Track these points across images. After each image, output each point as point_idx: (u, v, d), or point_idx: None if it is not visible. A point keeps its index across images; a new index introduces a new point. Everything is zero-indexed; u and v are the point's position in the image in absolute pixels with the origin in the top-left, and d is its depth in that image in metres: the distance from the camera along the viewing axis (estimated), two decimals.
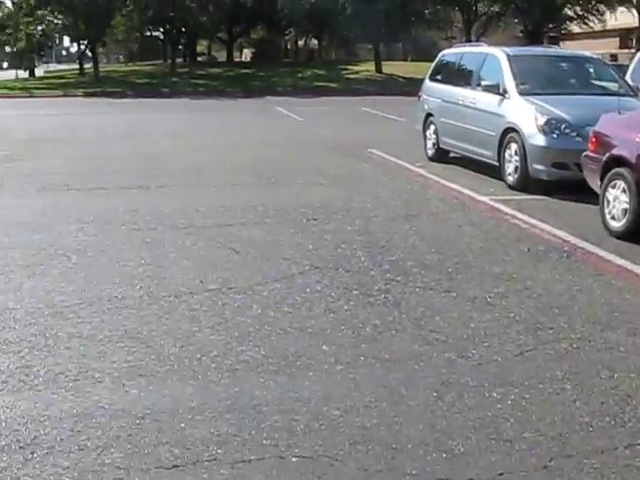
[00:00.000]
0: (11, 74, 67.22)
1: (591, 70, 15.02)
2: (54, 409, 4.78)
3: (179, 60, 68.17)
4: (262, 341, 5.94)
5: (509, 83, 13.22)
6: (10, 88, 49.77)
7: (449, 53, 17.24)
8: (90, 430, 4.52)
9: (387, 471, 4.10)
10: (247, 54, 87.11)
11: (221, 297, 6.99)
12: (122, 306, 6.74)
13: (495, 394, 5.01)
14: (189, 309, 6.68)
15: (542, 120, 12.18)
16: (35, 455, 4.24)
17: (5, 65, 79.73)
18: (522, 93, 12.98)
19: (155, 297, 7.00)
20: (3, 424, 4.59)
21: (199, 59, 77.94)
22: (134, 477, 4.03)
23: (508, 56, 13.83)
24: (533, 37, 49.70)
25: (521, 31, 56.50)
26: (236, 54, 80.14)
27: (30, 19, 54.43)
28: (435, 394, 5.01)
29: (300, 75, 53.46)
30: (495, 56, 14.18)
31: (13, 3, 59.23)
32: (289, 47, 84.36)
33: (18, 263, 8.10)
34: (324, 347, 5.82)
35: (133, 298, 6.96)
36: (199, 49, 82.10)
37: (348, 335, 6.08)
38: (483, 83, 13.94)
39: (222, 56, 76.90)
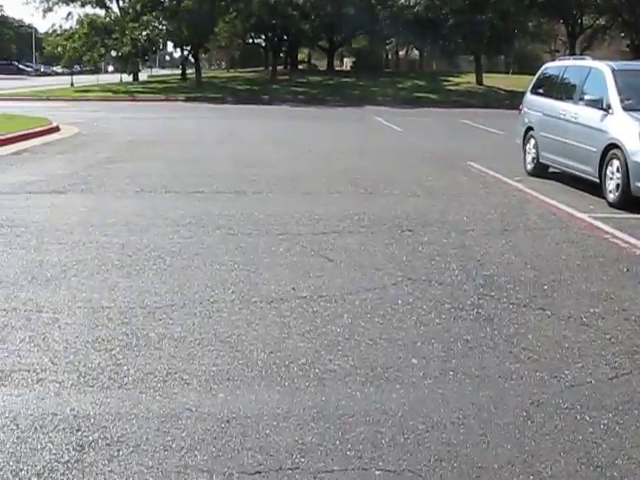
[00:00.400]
0: (116, 78, 68.99)
1: None
2: (141, 408, 4.83)
3: (280, 67, 68.82)
4: (351, 351, 5.90)
5: (613, 98, 12.93)
6: (114, 91, 51.03)
7: (552, 66, 16.97)
8: (176, 431, 4.54)
9: None
10: (347, 63, 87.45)
11: (312, 305, 6.97)
12: (213, 309, 6.78)
13: (587, 417, 4.86)
14: (280, 315, 6.68)
15: None
16: (121, 453, 4.28)
17: (110, 69, 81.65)
18: (626, 109, 12.67)
19: (246, 302, 7.02)
20: (92, 420, 4.65)
21: (300, 67, 78.53)
22: None
23: (613, 70, 13.52)
24: None
25: (627, 45, 55.42)
26: (336, 63, 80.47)
27: (135, 24, 55.63)
28: (525, 414, 4.89)
29: (400, 85, 53.46)
30: (599, 70, 13.88)
31: (120, 9, 60.72)
32: (390, 57, 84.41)
33: (114, 263, 8.23)
34: (413, 360, 5.75)
35: (225, 302, 7.00)
36: (300, 57, 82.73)
37: (438, 349, 6.00)
38: (586, 97, 13.67)
39: (322, 64, 77.32)
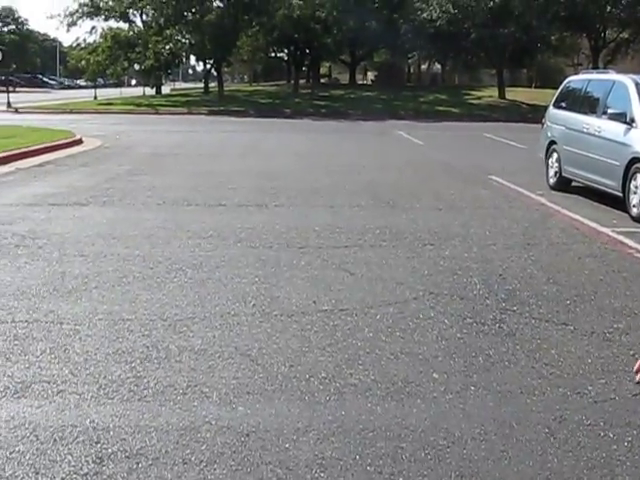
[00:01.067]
0: (139, 91, 69.37)
1: None
2: (161, 421, 4.81)
3: (302, 81, 68.97)
4: (372, 365, 5.87)
5: (637, 111, 12.84)
6: (137, 105, 51.29)
7: (575, 80, 16.88)
8: (195, 444, 4.52)
9: None
10: (370, 77, 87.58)
11: (333, 318, 6.95)
12: (234, 322, 6.77)
13: (611, 434, 4.80)
14: (300, 329, 6.66)
15: None
16: (140, 465, 4.27)
17: (133, 82, 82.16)
18: None
19: (267, 315, 7.01)
20: (111, 432, 4.64)
21: (322, 80, 78.68)
22: None
23: (636, 84, 13.43)
24: None
25: None
26: (359, 77, 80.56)
27: (159, 38, 55.94)
28: (547, 430, 4.83)
29: (422, 99, 53.46)
30: (623, 84, 13.81)
31: (143, 22, 61.12)
32: (412, 71, 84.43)
33: (135, 275, 8.25)
34: (434, 375, 5.71)
35: (245, 315, 6.99)
36: (322, 71, 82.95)
37: (460, 364, 5.95)
38: (609, 111, 13.59)
39: (345, 78, 77.44)
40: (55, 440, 4.54)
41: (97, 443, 4.51)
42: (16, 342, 6.16)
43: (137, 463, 4.30)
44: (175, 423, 4.79)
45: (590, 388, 5.52)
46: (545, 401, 5.29)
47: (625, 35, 55.32)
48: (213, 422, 4.82)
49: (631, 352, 6.28)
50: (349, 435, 4.69)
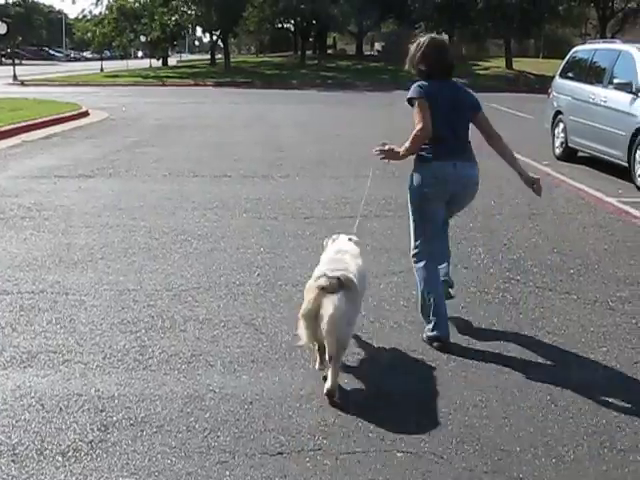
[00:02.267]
0: (145, 63, 69.19)
1: None
2: (165, 389, 4.86)
3: (309, 52, 68.69)
4: (375, 334, 5.90)
5: None
6: (144, 77, 51.21)
7: (581, 50, 16.78)
8: (199, 412, 4.57)
9: (493, 473, 4.00)
10: (377, 47, 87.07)
11: None
12: (239, 292, 6.81)
13: (611, 401, 4.84)
14: None
15: None
16: (144, 433, 4.31)
17: (140, 54, 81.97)
18: None
19: (272, 285, 7.05)
20: (116, 401, 4.69)
21: (328, 52, 78.33)
22: (239, 461, 4.04)
23: None
24: None
25: None
26: (366, 47, 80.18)
27: (165, 9, 55.78)
28: (548, 397, 4.87)
29: None
30: (629, 53, 13.72)
31: None
32: None
33: (141, 246, 8.29)
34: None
35: (250, 285, 7.03)
36: (328, 42, 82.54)
37: (462, 332, 5.98)
38: (615, 81, 13.54)
39: (351, 49, 77.09)
40: (61, 409, 4.59)
41: (102, 411, 4.56)
42: (22, 313, 6.21)
43: (141, 431, 4.35)
44: (179, 391, 4.84)
45: (592, 355, 5.56)
46: (547, 369, 5.34)
47: (633, 5, 54.93)
48: (217, 390, 4.86)
49: (633, 320, 6.31)
50: (352, 402, 4.73)
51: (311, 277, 5.09)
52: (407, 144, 6.09)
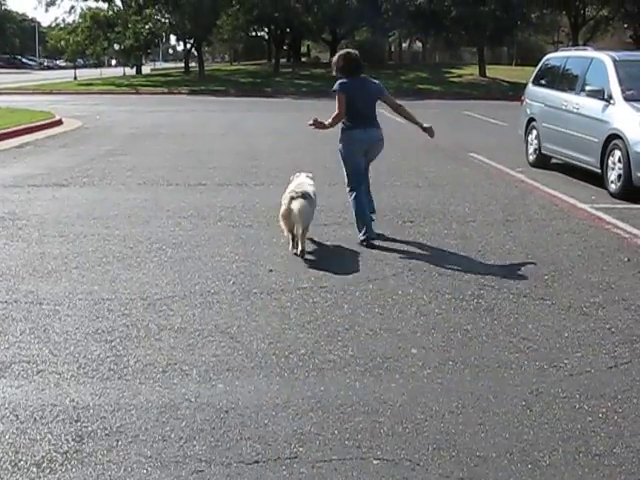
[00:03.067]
0: (119, 71, 69.01)
1: None
2: (141, 399, 4.84)
3: (283, 60, 68.76)
4: (351, 341, 5.91)
5: (614, 88, 12.88)
6: (117, 85, 51.10)
7: (553, 57, 16.91)
8: (175, 421, 4.55)
9: (469, 479, 4.01)
10: None
11: (312, 295, 6.99)
12: (214, 301, 6.79)
13: (586, 406, 4.87)
14: (280, 306, 6.69)
15: None
16: (120, 443, 4.29)
17: (113, 62, 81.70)
18: (627, 99, 12.63)
19: (247, 293, 7.04)
20: (91, 411, 4.66)
21: (303, 59, 78.44)
22: (215, 470, 4.03)
23: (614, 61, 13.47)
24: None
25: (630, 36, 55.31)
26: None
27: (138, 18, 55.64)
28: (523, 403, 4.89)
29: (403, 77, 53.43)
30: (601, 60, 13.83)
31: (122, 2, 60.70)
32: (393, 49, 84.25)
33: (115, 255, 8.25)
34: (413, 350, 5.75)
35: (225, 293, 7.01)
36: (302, 50, 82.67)
37: (438, 339, 6.01)
38: (587, 88, 13.63)
39: (325, 57, 77.23)
40: (35, 419, 4.56)
41: (77, 421, 4.53)
42: None
43: (117, 441, 4.33)
44: (155, 401, 4.82)
45: (566, 361, 5.59)
46: (522, 375, 5.35)
47: (604, 12, 55.37)
48: (193, 399, 4.85)
49: (607, 326, 6.35)
50: (328, 410, 4.74)
51: (284, 196, 8.60)
52: (330, 120, 9.36)
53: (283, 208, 8.37)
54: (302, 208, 8.22)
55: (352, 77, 9.31)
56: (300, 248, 8.25)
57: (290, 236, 8.47)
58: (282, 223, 8.46)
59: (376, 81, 9.88)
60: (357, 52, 9.74)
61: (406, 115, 10.10)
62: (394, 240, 9.14)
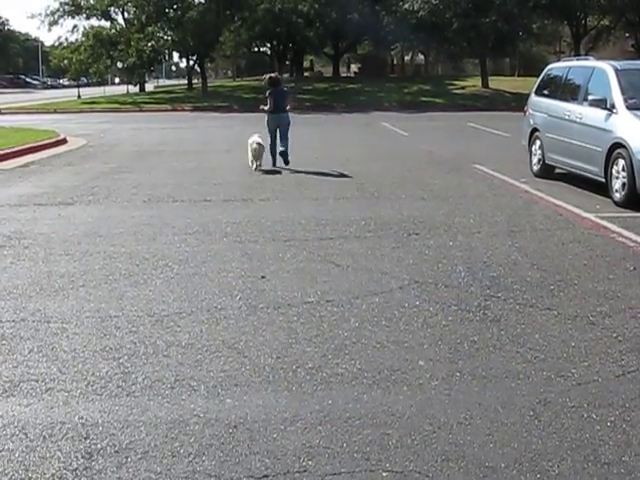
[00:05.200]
0: (122, 89, 69.24)
1: None
2: (150, 415, 4.86)
3: (285, 75, 68.92)
4: (358, 354, 5.92)
5: (617, 97, 12.91)
6: (121, 103, 51.26)
7: (556, 67, 16.95)
8: (184, 437, 4.57)
9: None
10: (353, 69, 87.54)
11: (319, 310, 7.00)
12: (221, 316, 6.81)
13: (594, 415, 4.87)
14: (287, 321, 6.71)
15: None
16: (129, 460, 4.31)
17: (117, 80, 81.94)
18: (630, 108, 12.65)
19: (253, 308, 7.05)
20: (100, 428, 4.68)
21: (305, 74, 78.65)
22: None
23: (616, 70, 13.50)
24: None
25: (632, 45, 55.38)
26: (342, 69, 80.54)
27: (141, 35, 55.72)
28: (532, 413, 4.90)
29: (406, 90, 53.47)
30: (603, 70, 13.87)
31: (125, 20, 60.91)
32: (395, 62, 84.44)
33: (122, 272, 8.28)
34: (420, 362, 5.76)
35: (232, 309, 7.03)
36: (305, 64, 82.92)
37: (445, 351, 6.02)
38: (590, 98, 13.66)
39: (328, 71, 77.44)
40: (44, 437, 4.58)
41: (86, 439, 4.55)
42: (3, 342, 6.20)
43: (126, 457, 4.34)
44: (163, 417, 4.84)
45: (574, 371, 5.59)
46: (529, 385, 5.36)
47: (606, 22, 55.48)
48: (201, 415, 4.86)
49: (614, 334, 6.35)
50: (336, 424, 4.74)
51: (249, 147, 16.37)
52: (266, 107, 17.47)
53: (250, 150, 16.89)
54: (259, 148, 16.80)
55: (274, 87, 17.66)
56: (257, 165, 16.85)
57: (253, 164, 16.79)
58: (250, 158, 16.94)
59: (285, 89, 18.96)
60: (277, 74, 20.47)
61: (290, 105, 18.12)
62: (399, 252, 9.14)
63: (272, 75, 18.52)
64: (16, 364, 5.74)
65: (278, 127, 17.26)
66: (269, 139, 17.36)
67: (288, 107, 17.69)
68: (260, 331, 6.44)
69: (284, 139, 17.27)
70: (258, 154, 16.74)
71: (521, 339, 6.25)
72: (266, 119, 17.50)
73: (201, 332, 6.41)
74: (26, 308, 7.04)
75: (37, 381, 5.41)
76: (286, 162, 16.99)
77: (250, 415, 4.85)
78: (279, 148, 17.25)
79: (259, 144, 16.78)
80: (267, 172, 16.60)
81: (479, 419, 4.82)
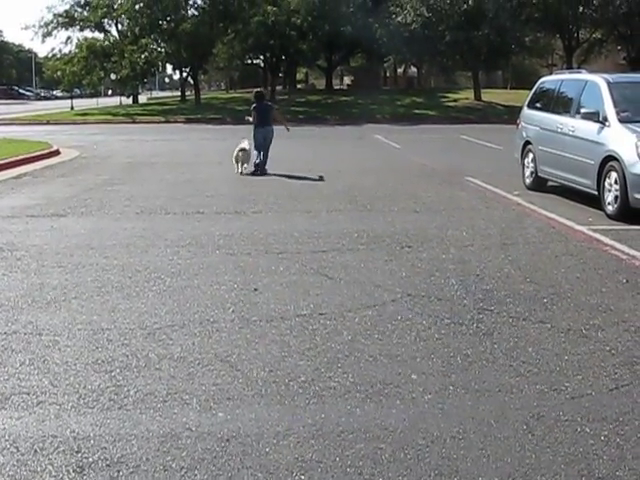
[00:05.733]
0: (115, 101, 69.23)
1: None
2: (141, 429, 4.83)
3: (279, 87, 69.03)
4: (351, 368, 5.90)
5: (609, 110, 12.96)
6: (114, 114, 51.28)
7: (548, 80, 17.01)
8: (176, 451, 4.54)
9: None
10: (346, 81, 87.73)
11: (312, 322, 6.98)
12: (213, 329, 6.79)
13: (588, 429, 4.86)
14: (279, 334, 6.69)
15: None
16: (121, 473, 4.28)
17: (110, 92, 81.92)
18: (623, 121, 12.70)
19: (246, 321, 7.03)
20: (92, 441, 4.65)
21: (298, 86, 78.76)
22: None
23: (608, 83, 13.56)
24: (636, 64, 48.75)
25: (624, 58, 55.58)
26: (336, 81, 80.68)
27: (134, 47, 55.79)
28: (525, 427, 4.88)
29: (399, 102, 53.63)
30: (595, 83, 13.92)
31: (118, 32, 60.98)
32: (388, 75, 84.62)
33: (114, 284, 8.25)
34: (413, 376, 5.75)
35: (224, 321, 7.01)
36: (298, 77, 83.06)
37: (438, 364, 6.00)
38: (582, 110, 13.70)
39: (321, 84, 77.57)
40: (35, 451, 4.55)
41: (78, 452, 4.52)
42: None
43: (118, 471, 4.32)
44: (155, 430, 4.81)
45: (567, 384, 5.58)
46: (523, 399, 5.34)
47: (598, 35, 55.67)
48: (193, 428, 4.84)
49: (607, 348, 6.35)
50: (329, 437, 4.72)
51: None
52: (250, 119, 19.61)
53: (235, 155, 18.83)
54: (242, 153, 18.69)
55: (258, 102, 19.61)
56: (241, 169, 18.58)
57: (238, 167, 18.62)
58: (234, 162, 18.81)
59: (269, 103, 21.01)
60: (262, 89, 22.94)
61: (279, 118, 20.44)
62: (392, 265, 9.13)
63: (258, 90, 20.98)
64: (7, 377, 5.70)
65: (264, 139, 19.03)
66: (255, 149, 19.13)
67: (284, 122, 20.61)
68: (253, 344, 6.42)
69: (265, 152, 19.01)
70: (241, 159, 18.66)
71: (514, 352, 6.24)
72: (253, 132, 19.31)
73: (193, 345, 6.39)
74: (18, 320, 7.01)
75: (28, 394, 5.37)
76: (260, 173, 18.63)
77: (242, 429, 4.83)
78: (257, 159, 18.84)
79: (242, 149, 18.73)
80: (260, 184, 16.59)
81: (472, 433, 4.81)
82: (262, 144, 18.95)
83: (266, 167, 18.83)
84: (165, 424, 4.90)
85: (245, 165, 18.62)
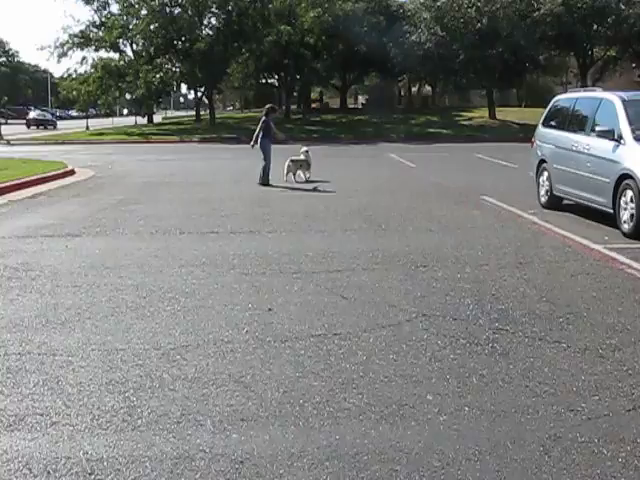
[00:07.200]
0: (130, 120, 69.57)
1: None
2: (155, 450, 4.80)
3: (293, 107, 69.22)
4: (366, 388, 5.87)
5: (624, 128, 12.92)
6: (129, 134, 51.54)
7: (563, 98, 16.98)
8: (189, 473, 4.51)
9: None
10: (361, 100, 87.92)
11: (326, 343, 6.95)
12: (227, 350, 6.76)
13: (605, 451, 4.81)
14: (294, 354, 6.66)
15: None
16: None
17: (125, 112, 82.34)
18: (638, 139, 12.65)
19: (260, 341, 7.00)
20: (105, 463, 4.63)
21: (313, 105, 78.93)
22: None
23: (623, 101, 13.52)
24: None
25: (639, 75, 55.51)
26: (350, 100, 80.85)
27: (149, 67, 56.12)
28: (542, 449, 4.83)
29: (413, 121, 53.71)
30: (610, 101, 13.89)
31: (133, 52, 61.31)
32: (402, 93, 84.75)
33: (128, 305, 8.25)
34: (428, 396, 5.71)
35: (239, 342, 6.98)
36: (313, 96, 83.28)
37: (453, 385, 5.96)
38: (597, 129, 13.67)
39: (335, 103, 77.73)
40: (49, 472, 4.53)
41: (91, 474, 4.50)
42: (9, 375, 6.16)
43: None
44: (169, 452, 4.79)
45: (584, 405, 5.53)
46: (539, 420, 5.29)
47: (612, 53, 55.66)
48: (207, 450, 4.81)
49: (624, 368, 6.29)
50: (344, 459, 4.69)
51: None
52: (258, 133, 21.43)
53: (287, 165, 21.02)
54: (291, 164, 20.90)
55: (269, 117, 21.45)
56: (286, 178, 20.82)
57: (292, 176, 21.01)
58: (285, 173, 20.90)
59: (270, 122, 21.65)
60: (271, 106, 22.65)
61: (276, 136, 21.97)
62: (407, 285, 9.10)
63: (271, 105, 22.81)
64: (21, 397, 5.69)
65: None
66: (265, 160, 20.91)
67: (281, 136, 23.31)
68: (267, 365, 6.39)
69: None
70: (289, 169, 21.01)
71: (530, 373, 6.19)
72: (270, 146, 21.25)
73: (207, 366, 6.37)
74: (32, 340, 7.01)
75: (42, 415, 5.36)
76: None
77: (257, 450, 4.80)
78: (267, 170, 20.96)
79: (292, 160, 21.19)
80: (274, 204, 16.61)
81: (488, 455, 4.76)
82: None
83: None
84: (179, 446, 4.87)
85: (299, 173, 21.41)
